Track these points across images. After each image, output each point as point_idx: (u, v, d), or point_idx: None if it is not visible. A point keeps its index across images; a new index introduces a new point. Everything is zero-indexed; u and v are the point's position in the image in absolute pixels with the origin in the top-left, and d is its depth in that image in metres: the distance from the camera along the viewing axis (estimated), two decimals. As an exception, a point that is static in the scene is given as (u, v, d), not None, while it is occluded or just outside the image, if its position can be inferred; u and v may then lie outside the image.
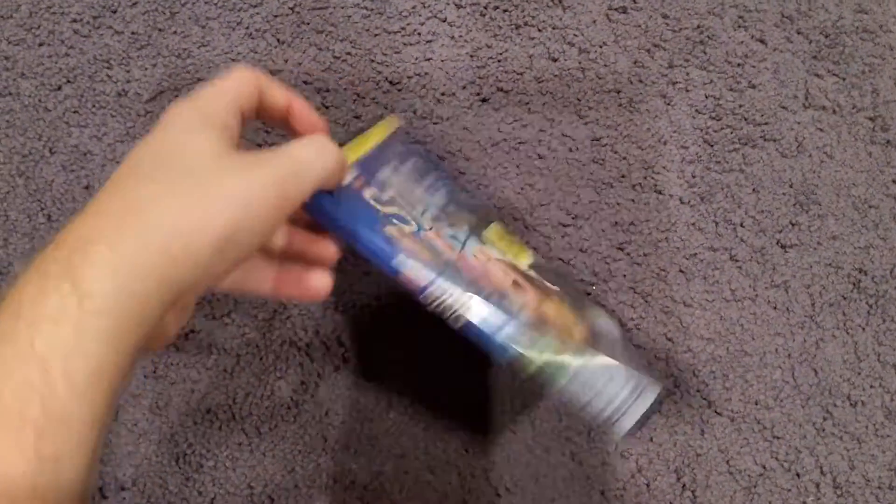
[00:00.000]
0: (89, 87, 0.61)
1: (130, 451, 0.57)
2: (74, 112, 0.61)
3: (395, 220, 0.46)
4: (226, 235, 0.35)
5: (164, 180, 0.35)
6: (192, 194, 0.35)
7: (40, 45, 0.61)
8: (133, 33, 0.62)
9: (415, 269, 0.44)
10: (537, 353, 0.44)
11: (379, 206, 0.46)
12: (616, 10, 0.65)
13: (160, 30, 0.62)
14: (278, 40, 0.63)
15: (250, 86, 0.42)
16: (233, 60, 0.62)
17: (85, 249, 0.32)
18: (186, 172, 0.36)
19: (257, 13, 0.63)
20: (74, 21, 0.62)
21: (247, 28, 0.63)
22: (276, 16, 0.63)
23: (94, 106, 0.61)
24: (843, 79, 0.64)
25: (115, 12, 0.62)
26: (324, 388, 0.59)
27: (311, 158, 0.40)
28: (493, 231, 0.53)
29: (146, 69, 0.62)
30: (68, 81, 0.61)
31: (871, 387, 0.59)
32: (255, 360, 0.59)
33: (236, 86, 0.41)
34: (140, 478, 0.57)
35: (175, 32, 0.62)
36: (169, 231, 0.34)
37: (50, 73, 0.61)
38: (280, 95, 0.44)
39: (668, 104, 0.63)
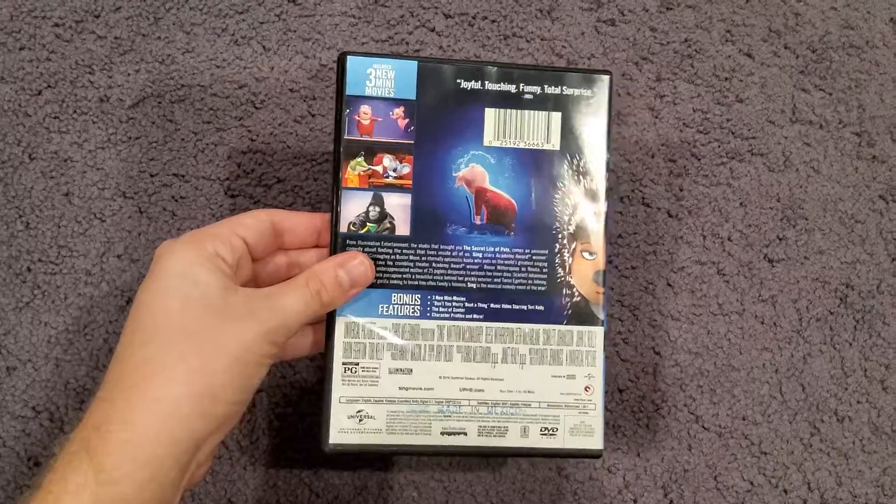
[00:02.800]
0: (70, 92, 0.60)
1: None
2: (55, 118, 0.60)
3: None
4: (230, 387, 0.40)
5: (164, 345, 0.39)
6: (191, 358, 0.39)
7: (21, 48, 0.60)
8: (116, 38, 0.61)
9: None
10: None
11: None
12: (604, 22, 0.64)
13: (144, 35, 0.61)
14: (264, 47, 0.62)
15: (257, 227, 0.46)
16: (217, 67, 0.61)
17: (100, 428, 0.37)
18: (183, 334, 0.40)
19: (243, 20, 0.62)
20: (56, 25, 0.60)
21: (232, 35, 0.62)
22: (262, 23, 0.62)
23: (75, 112, 0.60)
24: (830, 94, 0.64)
25: (97, 17, 0.61)
26: (306, 401, 0.58)
27: (299, 310, 0.43)
28: None
29: (129, 75, 0.61)
30: (49, 86, 0.60)
31: (858, 402, 0.58)
32: (237, 371, 0.58)
33: (235, 228, 0.45)
34: (117, 492, 0.55)
35: (159, 38, 0.61)
36: (176, 399, 0.38)
37: (30, 78, 0.60)
38: (303, 230, 0.49)
39: (656, 117, 0.63)
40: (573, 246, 0.49)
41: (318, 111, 0.61)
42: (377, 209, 0.49)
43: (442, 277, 0.49)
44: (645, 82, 0.64)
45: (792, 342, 0.59)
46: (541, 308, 0.49)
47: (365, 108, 0.49)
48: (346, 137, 0.48)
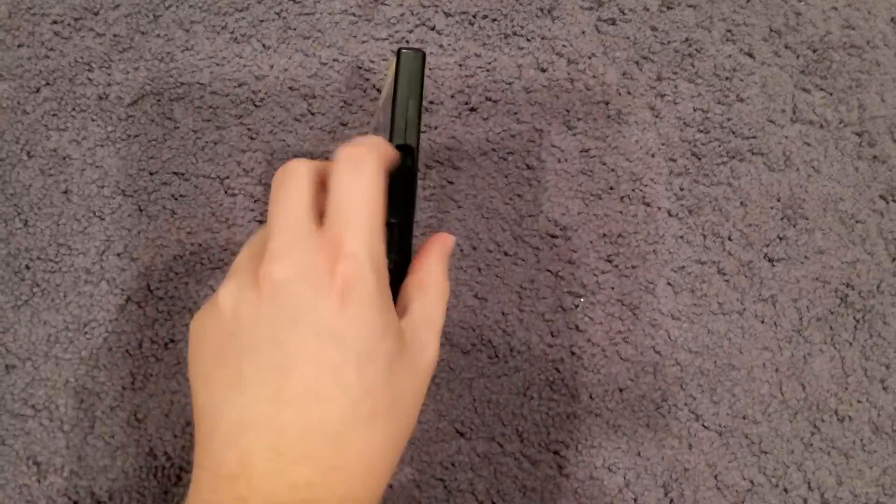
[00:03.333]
0: (69, 89, 0.60)
1: (107, 465, 0.55)
2: (53, 115, 0.59)
3: None
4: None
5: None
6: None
7: (19, 46, 0.60)
8: (115, 36, 0.61)
9: None
10: None
11: None
12: (605, 21, 0.64)
13: (143, 33, 0.61)
14: (264, 45, 0.62)
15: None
16: (217, 65, 0.61)
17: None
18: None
19: (243, 17, 0.62)
20: (55, 23, 0.60)
21: (232, 32, 0.62)
22: (261, 20, 0.62)
23: (73, 109, 0.60)
24: (831, 94, 0.64)
25: (96, 14, 0.61)
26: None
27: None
28: None
29: (128, 73, 0.60)
30: (48, 84, 0.60)
31: (859, 402, 0.58)
32: (237, 370, 0.58)
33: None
34: (117, 492, 0.55)
35: (158, 35, 0.61)
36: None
37: (29, 76, 0.59)
38: None
39: (657, 116, 0.63)
40: None
41: (318, 109, 0.61)
42: None
43: None
44: (646, 81, 0.63)
45: (792, 341, 0.59)
46: None
47: None
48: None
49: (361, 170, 0.36)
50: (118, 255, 0.58)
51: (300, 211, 0.36)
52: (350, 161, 0.37)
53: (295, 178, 0.37)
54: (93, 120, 0.60)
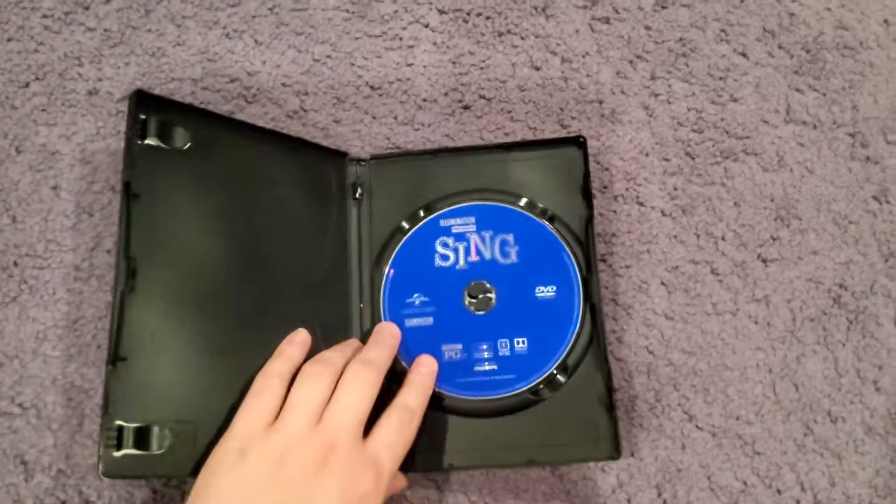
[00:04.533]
0: (59, 84, 0.59)
1: (95, 464, 0.55)
2: (43, 110, 0.59)
3: None
4: None
5: None
6: None
7: (9, 40, 0.59)
8: (106, 30, 0.60)
9: None
10: None
11: None
12: (599, 20, 0.64)
13: (134, 27, 0.60)
14: (256, 41, 0.61)
15: None
16: (209, 61, 0.60)
17: None
18: None
19: (235, 13, 0.62)
20: (45, 16, 0.60)
21: (224, 28, 0.61)
22: (254, 16, 0.62)
23: (63, 104, 0.59)
24: (824, 94, 0.64)
25: (87, 8, 0.60)
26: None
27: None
28: None
29: (119, 68, 0.60)
30: (37, 78, 0.59)
31: (851, 403, 0.58)
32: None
33: None
34: (105, 491, 0.54)
35: (150, 30, 0.61)
36: None
37: (18, 70, 0.59)
38: None
39: (651, 116, 0.63)
40: None
41: (311, 106, 0.61)
42: None
43: None
44: (640, 81, 0.63)
45: (785, 342, 0.59)
46: None
47: None
48: None
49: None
50: (108, 251, 0.57)
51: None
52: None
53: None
54: (83, 115, 0.59)
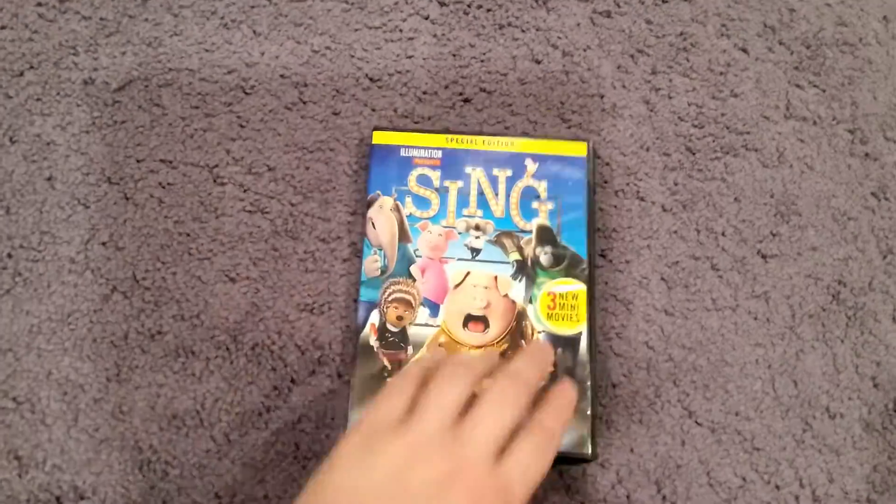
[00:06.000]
0: (54, 73, 0.58)
1: (91, 458, 0.54)
2: (37, 100, 0.58)
3: None
4: None
5: None
6: None
7: (2, 28, 0.58)
8: (102, 19, 0.59)
9: None
10: None
11: None
12: (600, 13, 0.64)
13: (131, 16, 0.60)
14: (254, 32, 0.61)
15: None
16: (206, 51, 0.60)
17: None
18: None
19: (233, 3, 0.61)
20: (39, 4, 0.59)
21: (221, 18, 0.60)
22: (252, 6, 0.61)
23: (58, 94, 0.58)
24: (824, 90, 0.64)
25: (82, -3, 0.59)
26: (297, 393, 0.56)
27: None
28: None
29: (115, 57, 0.59)
30: (32, 67, 0.58)
31: (850, 399, 0.58)
32: (226, 363, 0.56)
33: None
34: (101, 486, 0.54)
35: (146, 20, 0.60)
36: None
37: (12, 59, 0.58)
38: None
39: (651, 110, 0.62)
40: None
41: (310, 98, 0.60)
42: None
43: None
44: (640, 75, 0.63)
45: (785, 338, 0.59)
46: None
47: None
48: None
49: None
50: (103, 244, 0.57)
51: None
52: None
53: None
54: (78, 105, 0.58)
